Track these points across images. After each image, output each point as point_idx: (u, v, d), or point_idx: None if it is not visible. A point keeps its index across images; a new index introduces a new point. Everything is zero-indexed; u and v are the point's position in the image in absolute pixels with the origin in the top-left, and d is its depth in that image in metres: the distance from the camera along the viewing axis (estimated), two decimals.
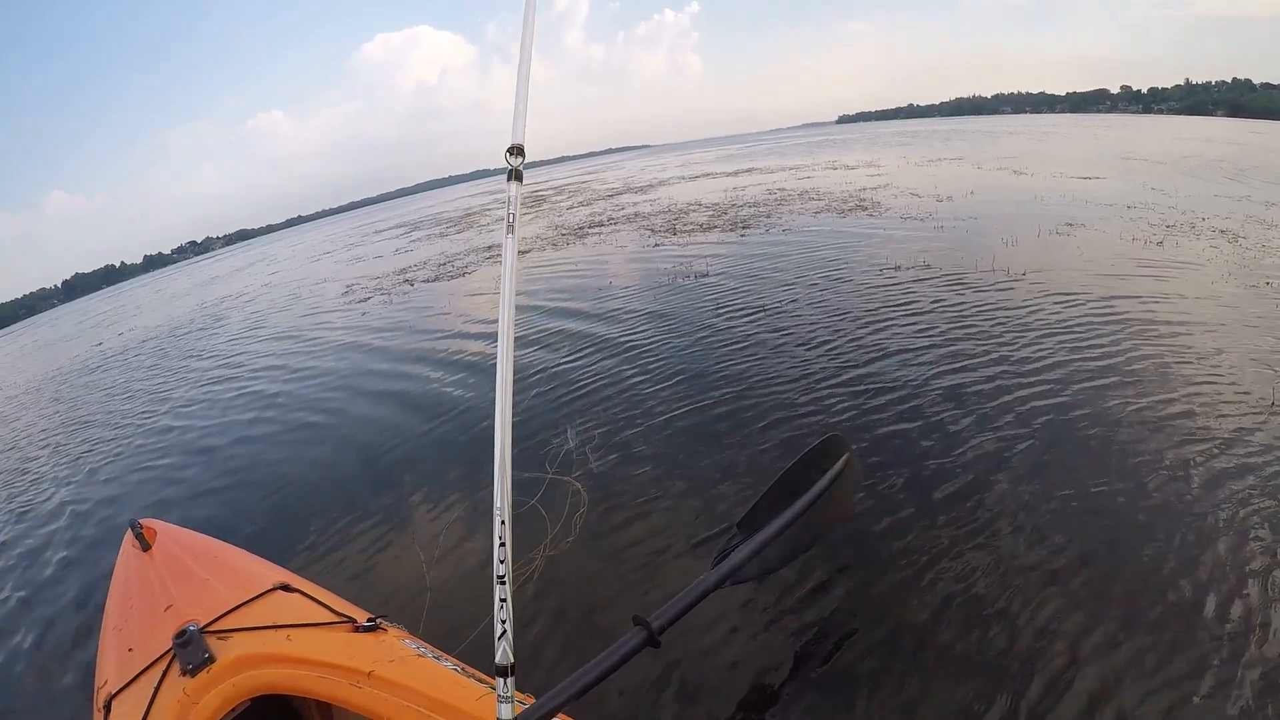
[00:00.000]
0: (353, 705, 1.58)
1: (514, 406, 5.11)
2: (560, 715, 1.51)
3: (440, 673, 1.64)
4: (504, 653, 1.20)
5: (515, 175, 1.46)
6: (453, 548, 3.48)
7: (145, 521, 2.59)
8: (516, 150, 1.46)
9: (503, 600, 1.21)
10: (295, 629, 1.81)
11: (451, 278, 12.51)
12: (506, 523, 1.24)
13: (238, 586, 2.09)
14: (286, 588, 2.08)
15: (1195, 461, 3.19)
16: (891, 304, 6.02)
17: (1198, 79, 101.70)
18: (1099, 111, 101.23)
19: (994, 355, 4.62)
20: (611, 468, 4.00)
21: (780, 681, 2.34)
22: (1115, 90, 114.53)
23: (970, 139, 32.30)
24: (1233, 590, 2.41)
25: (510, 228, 1.44)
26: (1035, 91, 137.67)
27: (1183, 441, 3.35)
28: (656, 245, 11.36)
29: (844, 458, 2.64)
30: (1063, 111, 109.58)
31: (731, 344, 5.64)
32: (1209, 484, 3.02)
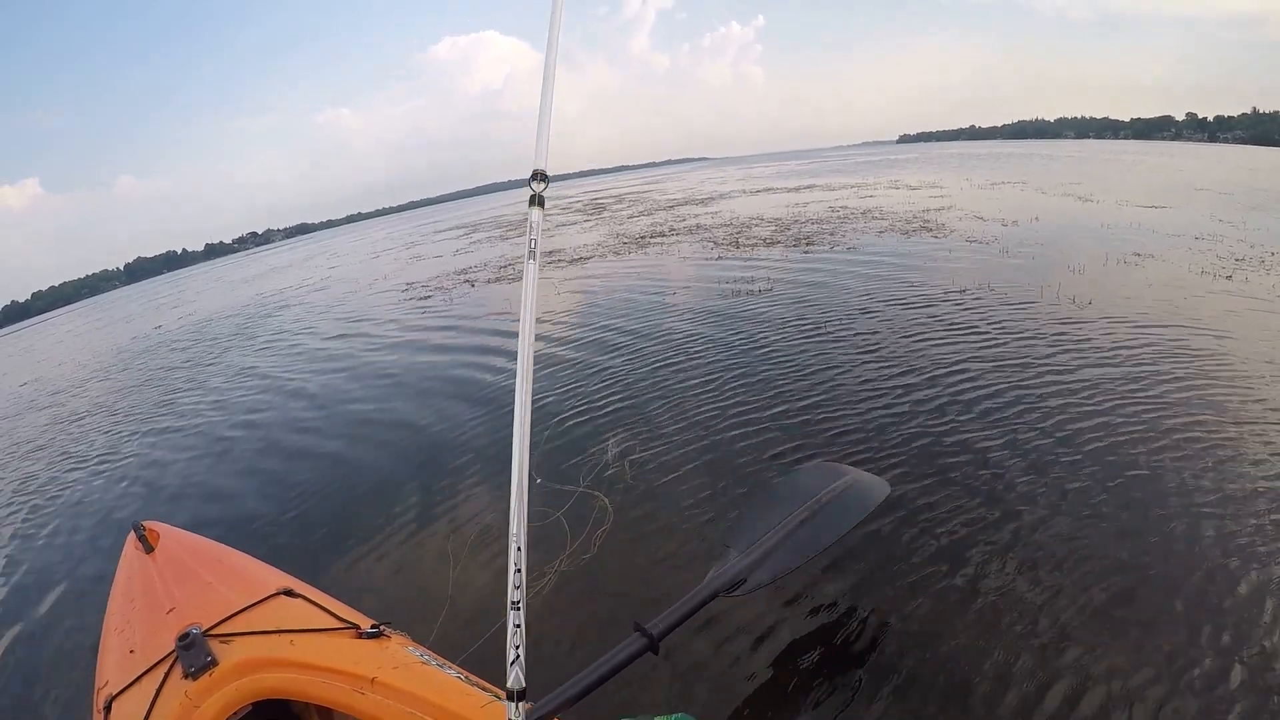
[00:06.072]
0: (355, 711, 1.60)
1: (558, 414, 5.25)
2: (556, 719, 1.57)
3: (444, 680, 1.67)
4: (516, 678, 1.19)
5: (537, 201, 1.43)
6: (481, 554, 3.51)
7: (148, 523, 2.62)
8: (539, 175, 1.41)
9: (517, 626, 1.21)
10: (298, 634, 1.83)
11: (512, 280, 12.78)
12: (523, 550, 1.24)
13: (241, 590, 2.11)
14: (290, 593, 2.10)
15: (1257, 507, 3.10)
16: (956, 330, 6.00)
17: (1266, 108, 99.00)
18: (1163, 138, 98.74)
19: (1055, 385, 4.60)
20: (646, 486, 3.95)
21: (781, 696, 2.38)
22: (1181, 117, 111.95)
23: (1033, 163, 31.75)
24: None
25: (531, 253, 1.41)
26: (1099, 116, 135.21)
27: (1244, 484, 3.28)
28: (719, 258, 11.51)
29: (844, 479, 2.68)
30: (1126, 138, 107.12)
31: (791, 366, 5.58)
32: (1269, 530, 2.94)
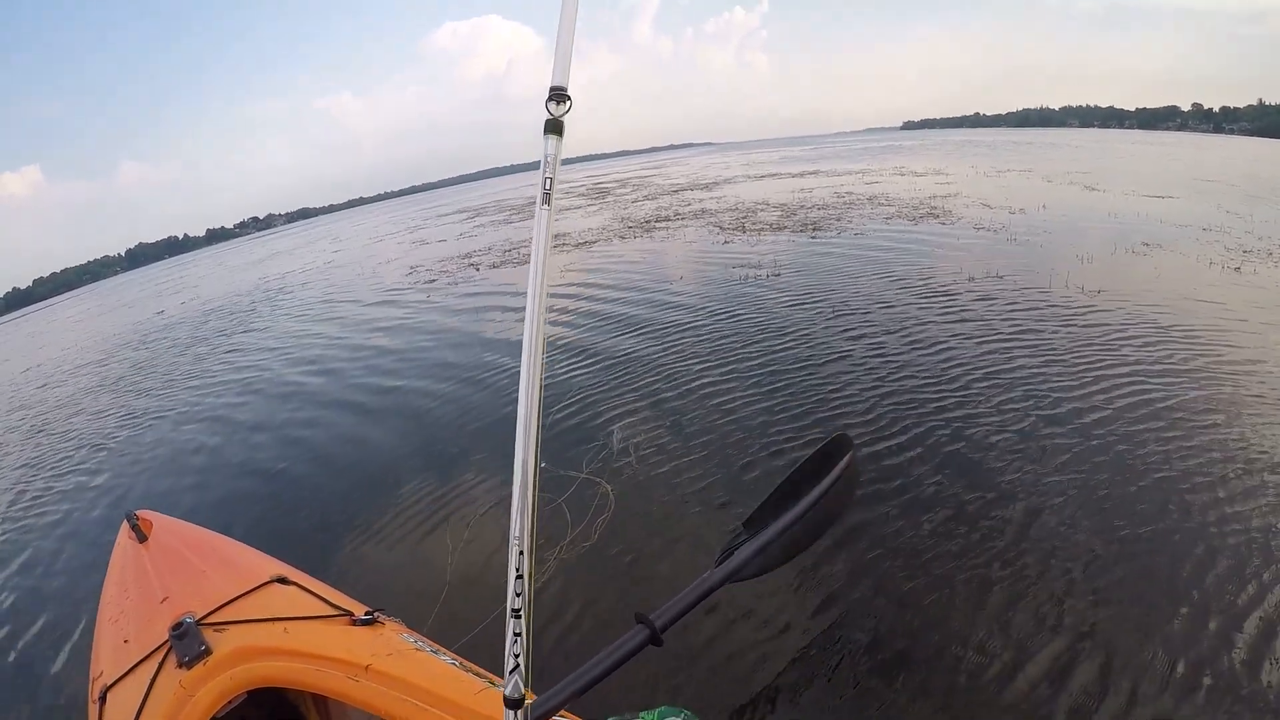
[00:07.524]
0: (349, 698, 1.60)
1: (563, 398, 5.22)
2: (561, 713, 1.50)
3: (438, 667, 1.66)
4: (515, 686, 1.11)
5: (554, 128, 1.14)
6: (482, 541, 3.50)
7: (142, 512, 2.61)
8: (559, 95, 1.14)
9: (517, 635, 1.10)
10: (292, 622, 1.83)
11: (518, 264, 12.82)
12: (526, 554, 1.10)
13: (234, 579, 2.10)
14: (283, 580, 2.11)
15: (1262, 503, 3.06)
16: (966, 318, 5.99)
17: (1272, 100, 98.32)
18: (1168, 129, 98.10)
19: (1062, 374, 4.59)
20: (649, 473, 3.93)
21: (786, 684, 2.39)
22: (1186, 108, 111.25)
23: (1038, 151, 31.47)
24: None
25: (545, 197, 1.15)
26: (1104, 105, 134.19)
27: (1249, 479, 3.23)
28: (726, 243, 11.52)
29: (847, 456, 2.65)
30: (1131, 127, 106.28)
31: (800, 355, 5.53)
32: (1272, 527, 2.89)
